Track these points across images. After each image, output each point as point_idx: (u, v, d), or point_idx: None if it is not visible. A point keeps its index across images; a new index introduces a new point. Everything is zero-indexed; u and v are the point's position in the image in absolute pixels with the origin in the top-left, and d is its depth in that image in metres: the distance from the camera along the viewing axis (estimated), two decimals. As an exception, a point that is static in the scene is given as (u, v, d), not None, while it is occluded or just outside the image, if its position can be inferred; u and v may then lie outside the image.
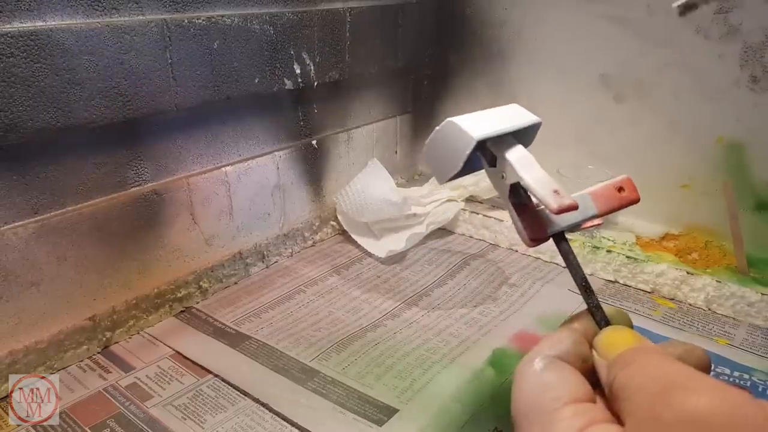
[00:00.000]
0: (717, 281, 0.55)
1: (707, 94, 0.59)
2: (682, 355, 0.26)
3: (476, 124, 0.33)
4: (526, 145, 0.34)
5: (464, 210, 0.71)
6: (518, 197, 0.33)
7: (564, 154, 0.70)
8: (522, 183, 0.31)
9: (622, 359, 0.25)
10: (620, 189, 0.33)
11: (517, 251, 0.67)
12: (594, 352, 0.27)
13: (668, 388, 0.21)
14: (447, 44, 0.77)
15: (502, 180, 0.33)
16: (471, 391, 0.43)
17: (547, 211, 0.31)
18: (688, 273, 0.57)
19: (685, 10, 0.45)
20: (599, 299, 0.30)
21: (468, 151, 0.33)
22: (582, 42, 0.66)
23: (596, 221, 0.33)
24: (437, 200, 0.72)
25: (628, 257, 0.60)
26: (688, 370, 0.23)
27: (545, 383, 0.25)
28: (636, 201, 0.33)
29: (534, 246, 0.33)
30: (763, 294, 0.53)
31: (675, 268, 0.57)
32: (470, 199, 0.74)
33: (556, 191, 0.30)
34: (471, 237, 0.71)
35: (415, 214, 0.69)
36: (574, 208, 0.29)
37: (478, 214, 0.70)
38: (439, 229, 0.70)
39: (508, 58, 0.72)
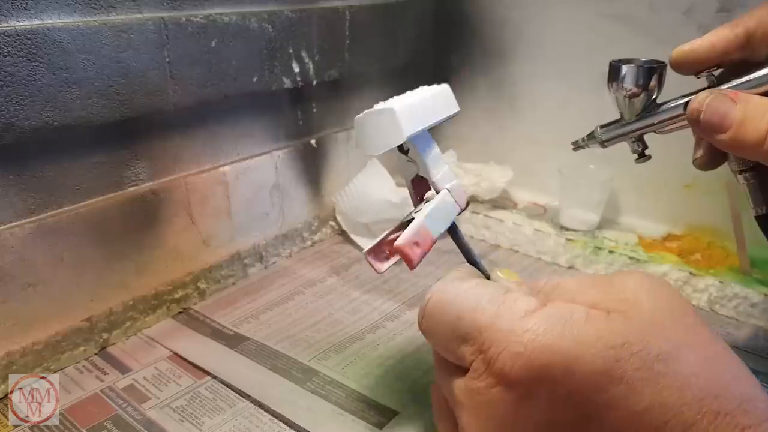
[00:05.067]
0: (720, 282, 0.55)
1: (710, 93, 0.59)
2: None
3: (410, 116, 0.35)
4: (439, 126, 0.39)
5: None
6: (418, 184, 0.38)
7: (564, 154, 0.70)
8: (430, 181, 0.36)
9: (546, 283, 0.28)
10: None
11: (518, 252, 0.67)
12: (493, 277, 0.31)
13: (606, 276, 0.26)
14: (447, 43, 0.77)
15: (407, 163, 0.37)
16: (471, 393, 0.43)
17: None
18: (690, 274, 0.56)
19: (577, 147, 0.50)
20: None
21: (395, 145, 0.35)
22: (583, 41, 0.65)
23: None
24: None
25: (630, 258, 0.59)
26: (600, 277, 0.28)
27: (477, 283, 0.28)
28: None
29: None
30: (766, 295, 0.52)
31: (678, 268, 0.57)
32: (470, 200, 0.73)
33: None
34: (472, 237, 0.71)
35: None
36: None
37: (478, 214, 0.70)
38: (440, 229, 0.70)
39: (509, 57, 0.72)
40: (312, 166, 0.66)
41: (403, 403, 0.42)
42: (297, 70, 0.59)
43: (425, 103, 0.37)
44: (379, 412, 0.41)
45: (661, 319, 0.23)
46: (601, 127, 0.46)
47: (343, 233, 0.70)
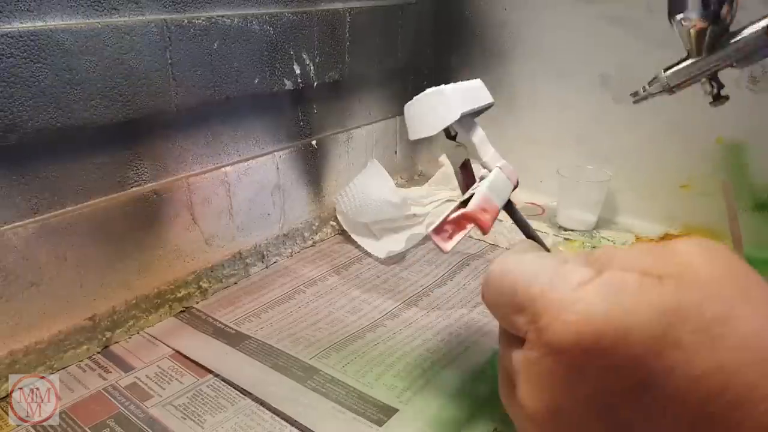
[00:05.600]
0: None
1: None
2: None
3: (460, 98, 0.39)
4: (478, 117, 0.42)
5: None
6: (466, 170, 0.41)
7: (564, 154, 0.71)
8: (481, 163, 0.39)
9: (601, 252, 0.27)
10: None
11: (516, 251, 0.67)
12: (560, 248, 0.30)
13: (658, 245, 0.25)
14: (447, 45, 0.77)
15: (456, 149, 0.40)
16: (471, 391, 0.43)
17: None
18: (687, 273, 0.57)
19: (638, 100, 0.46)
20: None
21: (451, 122, 0.38)
22: (582, 42, 0.66)
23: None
24: (437, 200, 0.72)
25: (627, 257, 0.60)
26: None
27: (536, 256, 0.27)
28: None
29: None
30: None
31: (674, 268, 0.57)
32: (470, 200, 0.74)
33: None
34: (471, 237, 0.71)
35: (414, 215, 0.69)
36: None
37: (477, 214, 0.70)
38: (439, 229, 0.70)
39: (508, 59, 0.73)
40: (313, 166, 0.67)
41: (403, 401, 0.42)
42: (298, 71, 0.59)
43: (469, 89, 0.41)
44: (379, 409, 0.42)
45: (716, 280, 0.22)
46: (666, 69, 0.40)
47: (343, 233, 0.70)
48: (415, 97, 0.39)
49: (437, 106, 0.38)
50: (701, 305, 0.21)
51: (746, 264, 0.23)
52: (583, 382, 0.22)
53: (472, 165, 0.43)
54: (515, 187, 0.40)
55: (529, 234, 0.37)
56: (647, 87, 0.42)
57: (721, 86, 0.38)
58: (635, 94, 0.43)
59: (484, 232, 0.37)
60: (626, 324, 0.21)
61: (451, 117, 0.38)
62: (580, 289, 0.23)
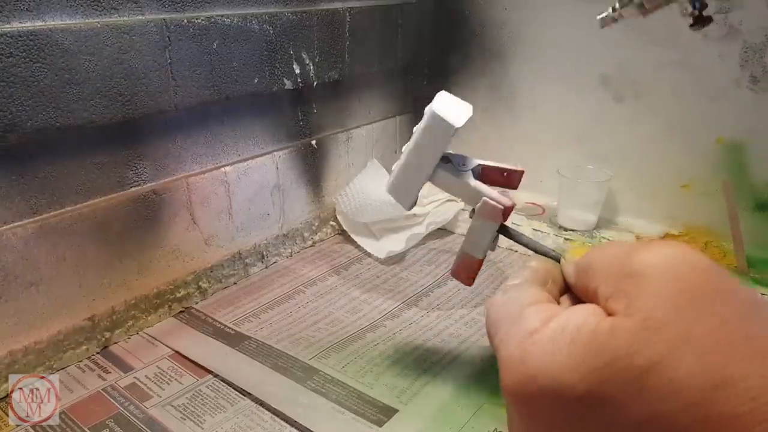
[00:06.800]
0: (717, 281, 0.55)
1: (707, 94, 0.59)
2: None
3: (453, 113, 0.40)
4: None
5: (464, 210, 0.71)
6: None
7: (564, 154, 0.70)
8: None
9: (586, 254, 0.28)
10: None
11: (516, 251, 0.67)
12: (562, 260, 0.31)
13: (634, 247, 0.25)
14: (447, 44, 0.77)
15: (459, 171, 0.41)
16: (470, 391, 0.43)
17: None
18: (687, 273, 0.56)
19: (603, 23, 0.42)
20: None
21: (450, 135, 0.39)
22: (582, 42, 0.66)
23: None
24: (437, 200, 0.72)
25: (627, 257, 0.60)
26: (640, 243, 0.26)
27: (509, 297, 0.29)
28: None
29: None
30: (763, 294, 0.53)
31: (675, 268, 0.57)
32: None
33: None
34: (471, 237, 0.71)
35: (414, 215, 0.69)
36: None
37: (477, 214, 0.70)
38: (439, 229, 0.70)
39: (508, 59, 0.72)
40: (312, 166, 0.66)
41: (403, 401, 0.42)
42: (298, 71, 0.59)
43: (456, 104, 0.44)
44: (378, 409, 0.41)
45: (659, 318, 0.22)
46: None
47: (343, 233, 0.70)
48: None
49: (392, 201, 0.43)
50: (636, 353, 0.22)
51: (712, 270, 0.23)
52: (535, 429, 0.25)
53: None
54: (507, 210, 0.39)
55: (536, 249, 0.36)
56: (617, 7, 0.37)
57: (704, 5, 0.33)
58: (603, 19, 0.38)
59: (468, 285, 0.42)
60: (558, 384, 0.23)
61: (404, 209, 0.43)
62: (527, 340, 0.25)
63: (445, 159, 0.41)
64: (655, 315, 0.22)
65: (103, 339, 0.48)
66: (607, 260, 0.26)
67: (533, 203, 0.74)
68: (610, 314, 0.24)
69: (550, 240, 0.65)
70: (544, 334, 0.25)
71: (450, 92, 0.44)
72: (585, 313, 0.24)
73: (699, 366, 0.21)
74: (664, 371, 0.21)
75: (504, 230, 0.39)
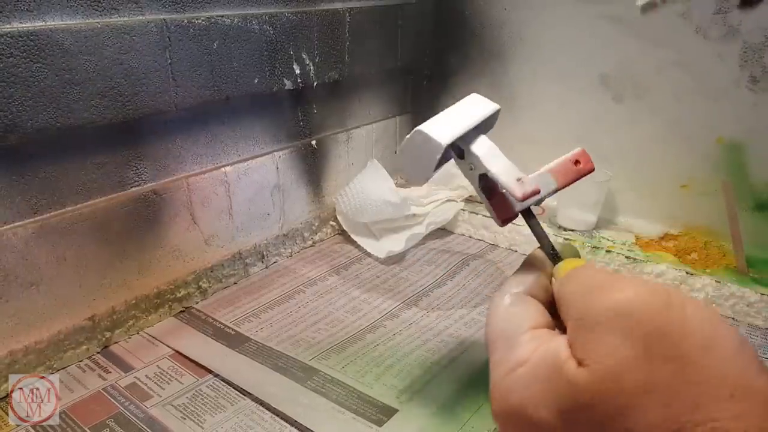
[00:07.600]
0: (716, 281, 0.55)
1: (707, 94, 0.59)
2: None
3: (442, 128, 0.36)
4: (488, 130, 0.38)
5: (463, 210, 0.72)
6: (487, 184, 0.37)
7: (563, 154, 0.70)
8: (489, 174, 0.35)
9: (565, 277, 0.30)
10: (576, 162, 0.38)
11: (516, 251, 0.67)
12: (553, 280, 0.32)
13: (594, 289, 0.26)
14: (447, 44, 0.77)
15: (471, 171, 0.37)
16: (470, 391, 0.43)
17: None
18: (687, 273, 0.57)
19: (647, 7, 0.42)
20: None
21: (438, 156, 0.35)
22: (582, 42, 0.66)
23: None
24: (437, 200, 0.72)
25: (627, 257, 0.60)
26: (615, 275, 0.27)
27: (511, 314, 0.30)
28: (591, 170, 0.38)
29: (504, 225, 0.38)
30: (762, 294, 0.53)
31: (674, 268, 0.57)
32: (469, 200, 0.74)
33: (519, 179, 0.33)
34: (470, 237, 0.71)
35: (414, 215, 0.69)
36: (536, 193, 0.33)
37: (477, 214, 0.70)
38: (439, 229, 0.70)
39: (508, 59, 0.72)
40: (312, 166, 0.67)
41: (403, 401, 0.42)
42: (298, 71, 0.59)
43: (453, 113, 0.38)
44: (378, 409, 0.42)
45: (619, 362, 0.23)
46: None
47: (343, 233, 0.70)
48: (402, 144, 0.37)
49: (422, 145, 0.36)
50: (594, 406, 0.23)
51: (673, 320, 0.23)
52: None
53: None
54: (525, 198, 0.36)
55: (542, 244, 0.35)
56: None
57: None
58: (644, 5, 0.39)
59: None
60: (537, 418, 0.25)
61: (436, 152, 0.35)
62: (513, 373, 0.27)
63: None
64: (612, 368, 0.23)
65: (104, 339, 0.48)
66: (571, 299, 0.28)
67: (533, 203, 0.74)
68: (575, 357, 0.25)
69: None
70: (528, 367, 0.26)
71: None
72: (557, 348, 0.26)
73: (659, 416, 0.21)
74: (624, 422, 0.22)
75: (528, 213, 0.36)
